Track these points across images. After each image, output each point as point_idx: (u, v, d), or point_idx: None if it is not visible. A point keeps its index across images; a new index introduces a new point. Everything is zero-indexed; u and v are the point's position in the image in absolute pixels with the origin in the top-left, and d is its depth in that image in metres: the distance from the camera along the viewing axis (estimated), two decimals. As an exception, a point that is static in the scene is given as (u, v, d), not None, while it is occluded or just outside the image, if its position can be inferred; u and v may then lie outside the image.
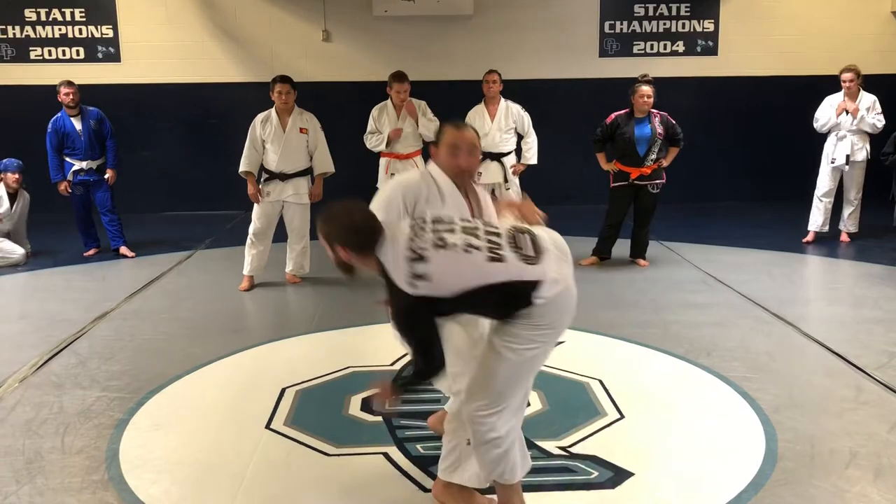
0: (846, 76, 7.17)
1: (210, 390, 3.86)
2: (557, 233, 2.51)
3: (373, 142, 6.62)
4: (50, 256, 7.26)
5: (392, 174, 6.33)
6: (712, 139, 9.74)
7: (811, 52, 9.86)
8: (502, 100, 6.80)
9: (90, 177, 7.20)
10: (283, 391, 3.77)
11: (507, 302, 2.32)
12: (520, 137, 6.92)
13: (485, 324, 2.55)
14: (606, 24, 9.94)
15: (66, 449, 3.18)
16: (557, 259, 2.37)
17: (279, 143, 5.84)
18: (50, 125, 7.07)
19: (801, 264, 6.80)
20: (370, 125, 6.61)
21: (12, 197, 7.14)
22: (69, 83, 7.05)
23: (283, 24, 9.79)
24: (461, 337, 2.60)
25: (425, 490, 2.79)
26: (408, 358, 4.11)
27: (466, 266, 2.26)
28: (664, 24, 9.95)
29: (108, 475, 2.95)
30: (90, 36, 9.74)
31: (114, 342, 4.63)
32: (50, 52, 9.74)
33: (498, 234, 2.36)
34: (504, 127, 6.77)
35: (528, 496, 2.64)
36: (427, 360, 2.34)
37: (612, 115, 6.41)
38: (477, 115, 6.74)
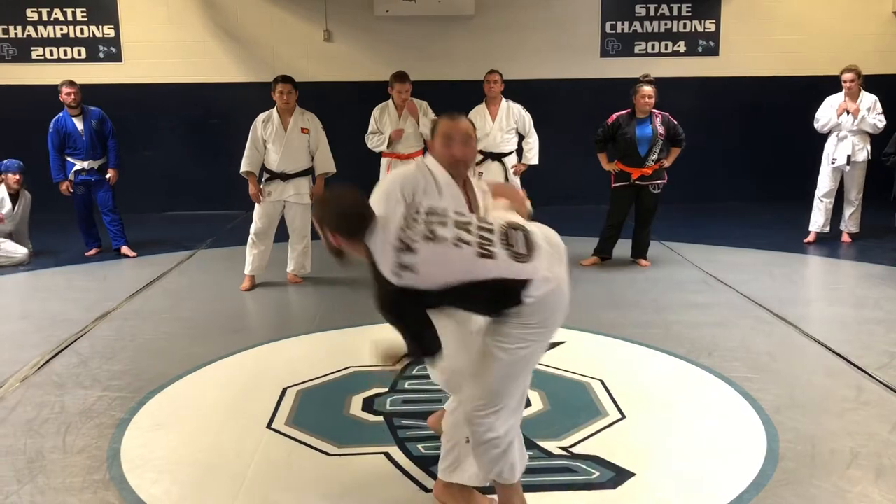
0: (847, 76, 7.16)
1: (211, 390, 3.86)
2: (553, 230, 2.49)
3: (374, 142, 6.63)
4: (51, 256, 7.27)
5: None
6: (713, 139, 9.74)
7: (812, 53, 9.86)
8: (503, 100, 6.80)
9: (92, 177, 7.21)
10: (284, 391, 3.77)
11: (496, 299, 2.31)
12: (521, 137, 6.92)
13: (479, 321, 2.54)
14: (608, 24, 9.94)
15: (67, 448, 3.18)
16: (550, 257, 2.35)
17: (280, 143, 5.84)
18: (51, 125, 7.08)
19: (802, 265, 6.79)
20: (371, 125, 6.62)
21: (14, 198, 7.15)
22: (71, 83, 7.06)
23: (284, 24, 9.79)
24: (456, 335, 2.59)
25: (426, 490, 2.79)
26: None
27: (454, 260, 2.24)
28: (665, 24, 9.95)
29: (109, 475, 2.95)
30: (92, 36, 9.76)
31: (115, 342, 4.63)
32: (51, 51, 9.75)
33: (490, 230, 2.33)
34: (505, 127, 6.77)
35: (529, 496, 2.64)
36: (417, 343, 2.33)
37: (614, 116, 6.41)
38: (478, 116, 6.74)
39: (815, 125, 7.42)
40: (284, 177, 5.89)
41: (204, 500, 2.78)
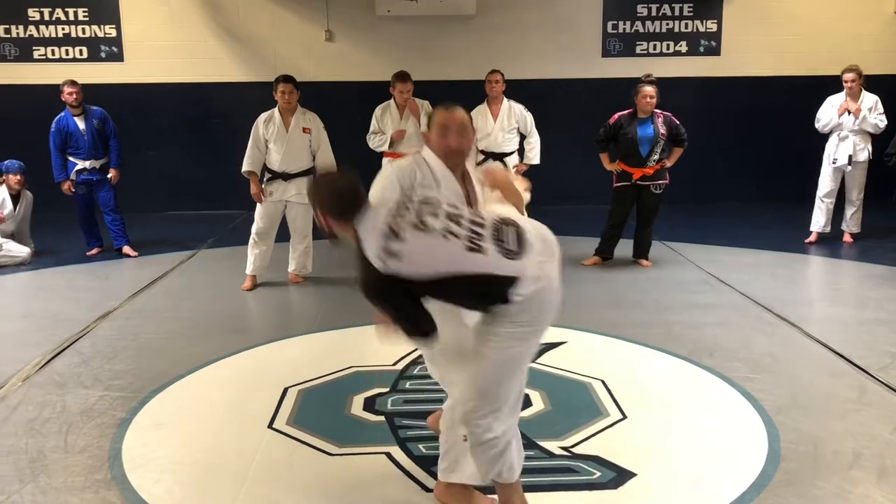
0: (848, 76, 7.16)
1: (213, 390, 3.86)
2: (547, 228, 2.47)
3: (376, 142, 6.63)
4: (53, 256, 7.27)
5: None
6: (715, 139, 9.73)
7: (814, 53, 9.85)
8: (505, 100, 6.80)
9: (93, 176, 7.21)
10: (285, 391, 3.77)
11: (483, 294, 2.30)
12: (522, 137, 6.92)
13: (472, 320, 2.53)
14: (609, 24, 9.93)
15: (68, 448, 3.18)
16: (541, 256, 2.34)
17: (282, 142, 5.84)
18: (53, 125, 7.08)
19: (804, 265, 6.79)
20: (373, 125, 6.62)
21: (15, 198, 7.15)
22: (72, 83, 7.06)
23: (285, 23, 9.79)
24: (450, 335, 2.57)
25: (428, 490, 2.79)
26: (410, 357, 4.13)
27: (442, 252, 2.23)
28: (667, 24, 9.94)
29: (110, 474, 2.95)
30: (93, 35, 9.76)
31: (117, 341, 4.63)
32: (53, 51, 9.76)
33: (482, 225, 2.31)
34: (507, 127, 6.77)
35: (530, 496, 2.64)
36: (407, 324, 2.33)
37: (616, 116, 6.41)
38: (480, 115, 6.74)
39: (817, 125, 7.41)
40: (286, 177, 5.89)
41: (205, 500, 2.78)
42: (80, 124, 7.10)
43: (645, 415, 3.45)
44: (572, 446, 3.14)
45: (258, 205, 5.95)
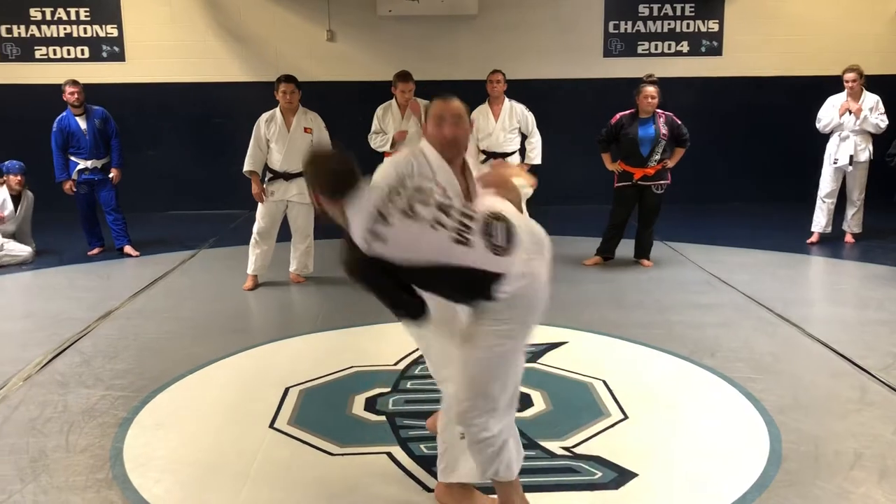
0: (849, 76, 7.15)
1: (214, 389, 3.86)
2: (539, 226, 2.46)
3: (377, 142, 6.62)
4: (54, 255, 7.28)
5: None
6: (716, 139, 9.72)
7: (815, 53, 9.85)
8: (506, 99, 6.80)
9: (95, 176, 7.22)
10: (286, 390, 3.77)
11: (466, 288, 2.29)
12: (524, 137, 6.91)
13: (464, 313, 2.52)
14: (611, 24, 9.93)
15: (70, 447, 3.18)
16: (530, 253, 2.32)
17: (283, 142, 5.84)
18: (55, 124, 7.09)
19: (805, 265, 6.79)
20: (374, 125, 6.62)
21: (16, 199, 7.15)
22: (74, 82, 7.07)
23: (287, 23, 9.80)
24: (446, 335, 2.56)
25: (429, 490, 2.79)
26: (411, 357, 4.13)
27: (427, 241, 2.22)
28: (669, 24, 9.94)
29: (112, 474, 2.95)
30: (95, 35, 9.77)
31: (118, 341, 4.64)
32: (55, 51, 9.77)
33: (472, 218, 2.29)
34: (508, 127, 6.77)
35: (531, 496, 2.64)
36: (393, 304, 2.32)
37: (617, 116, 6.41)
38: (481, 115, 6.74)
39: (817, 125, 7.40)
40: (287, 176, 5.89)
41: (206, 500, 2.78)
42: (82, 124, 7.10)
43: (646, 415, 3.45)
44: (573, 446, 3.14)
45: (259, 204, 5.95)
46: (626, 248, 6.68)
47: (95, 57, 9.77)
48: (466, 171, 2.70)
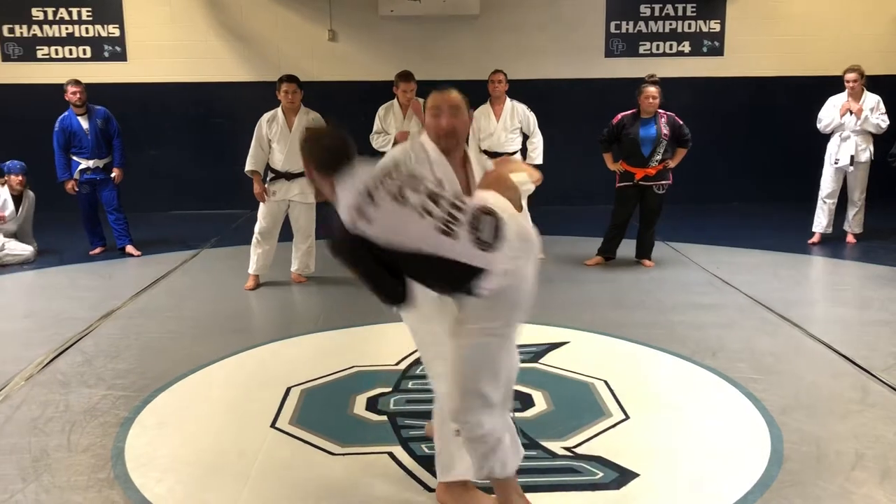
0: (850, 76, 7.15)
1: (215, 389, 3.87)
2: (531, 225, 2.44)
3: (379, 142, 6.62)
4: (56, 255, 7.28)
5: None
6: (718, 139, 9.71)
7: (817, 53, 9.85)
8: (508, 99, 6.79)
9: (97, 175, 7.23)
10: (288, 390, 3.77)
11: (446, 278, 2.28)
12: (525, 137, 6.91)
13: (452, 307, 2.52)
14: (612, 24, 9.93)
15: (71, 447, 3.18)
16: (516, 252, 2.29)
17: (285, 142, 5.85)
18: (57, 124, 7.10)
19: (807, 265, 6.78)
20: (376, 125, 6.61)
21: (17, 199, 7.16)
22: (76, 82, 7.07)
23: (288, 23, 9.80)
24: (434, 332, 2.56)
25: (430, 490, 2.79)
26: (413, 357, 4.13)
27: (412, 227, 2.21)
28: (670, 24, 9.94)
29: (113, 473, 2.95)
30: (97, 35, 9.78)
31: (120, 340, 4.64)
32: (57, 50, 9.78)
33: (461, 210, 2.27)
34: (509, 127, 6.76)
35: (532, 496, 2.64)
36: (376, 288, 2.31)
37: (619, 116, 6.41)
38: (482, 115, 6.73)
39: (818, 125, 7.39)
40: (289, 176, 5.90)
41: (208, 499, 2.79)
42: (84, 124, 7.11)
43: (648, 415, 3.45)
44: (575, 446, 3.14)
45: (261, 204, 5.96)
46: (627, 248, 6.68)
47: (97, 57, 9.78)
48: (467, 164, 2.68)
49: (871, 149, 7.31)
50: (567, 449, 3.12)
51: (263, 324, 5.34)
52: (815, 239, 7.47)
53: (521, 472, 2.67)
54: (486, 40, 9.75)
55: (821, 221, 7.46)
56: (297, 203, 5.96)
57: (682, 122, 6.33)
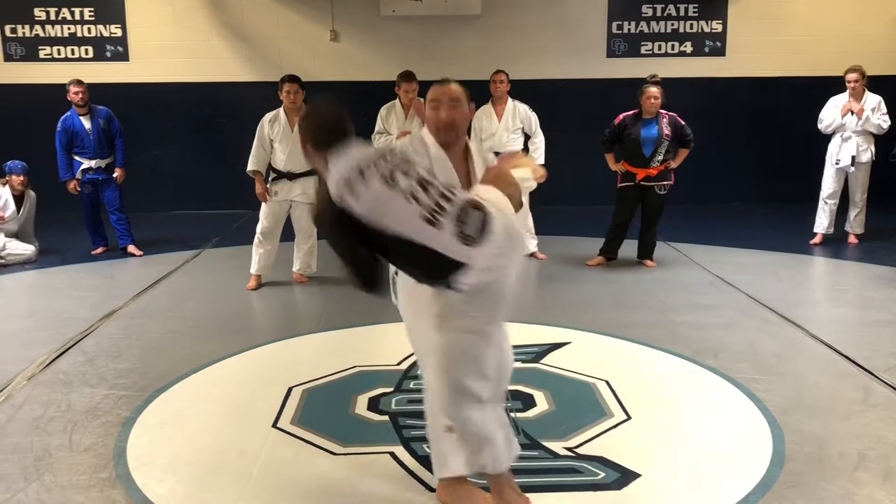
0: (851, 76, 7.14)
1: (217, 389, 3.87)
2: (522, 225, 2.45)
3: (381, 142, 6.62)
4: (58, 255, 7.29)
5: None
6: (719, 140, 9.71)
7: (818, 53, 9.84)
8: (509, 100, 6.79)
9: (99, 175, 7.23)
10: (289, 390, 3.77)
11: (425, 268, 2.26)
12: (527, 137, 6.91)
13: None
14: (614, 24, 9.93)
15: (73, 446, 3.19)
16: (500, 248, 2.26)
17: (287, 142, 5.85)
18: (59, 124, 7.10)
19: (809, 266, 6.78)
20: (378, 125, 6.61)
21: (18, 199, 7.17)
22: (78, 82, 7.08)
23: (290, 23, 9.81)
24: (423, 333, 2.54)
25: (431, 490, 2.79)
26: (414, 357, 4.12)
27: (397, 210, 2.18)
28: (672, 24, 9.94)
29: (115, 473, 2.96)
30: (99, 35, 9.79)
31: (121, 340, 4.64)
32: (59, 50, 9.79)
33: (449, 201, 2.23)
34: (511, 127, 6.77)
35: (533, 496, 2.64)
36: (353, 270, 2.31)
37: (621, 116, 6.41)
38: (484, 115, 6.74)
39: (819, 126, 7.38)
40: (291, 176, 5.90)
41: (209, 499, 2.79)
42: (86, 124, 7.12)
43: (649, 415, 3.44)
44: (576, 447, 3.14)
45: (263, 204, 5.96)
46: (629, 248, 6.67)
47: (99, 57, 9.79)
48: (469, 158, 2.66)
49: (873, 149, 7.30)
50: (568, 449, 3.12)
51: (265, 324, 5.34)
52: (816, 239, 7.46)
53: (523, 472, 2.68)
54: (487, 40, 9.75)
55: (822, 222, 7.45)
56: (298, 203, 5.97)
57: (683, 123, 6.33)
